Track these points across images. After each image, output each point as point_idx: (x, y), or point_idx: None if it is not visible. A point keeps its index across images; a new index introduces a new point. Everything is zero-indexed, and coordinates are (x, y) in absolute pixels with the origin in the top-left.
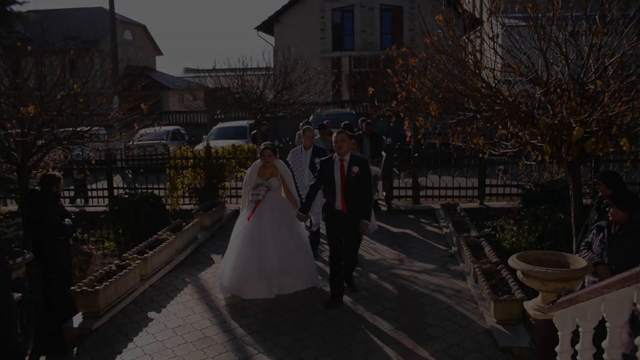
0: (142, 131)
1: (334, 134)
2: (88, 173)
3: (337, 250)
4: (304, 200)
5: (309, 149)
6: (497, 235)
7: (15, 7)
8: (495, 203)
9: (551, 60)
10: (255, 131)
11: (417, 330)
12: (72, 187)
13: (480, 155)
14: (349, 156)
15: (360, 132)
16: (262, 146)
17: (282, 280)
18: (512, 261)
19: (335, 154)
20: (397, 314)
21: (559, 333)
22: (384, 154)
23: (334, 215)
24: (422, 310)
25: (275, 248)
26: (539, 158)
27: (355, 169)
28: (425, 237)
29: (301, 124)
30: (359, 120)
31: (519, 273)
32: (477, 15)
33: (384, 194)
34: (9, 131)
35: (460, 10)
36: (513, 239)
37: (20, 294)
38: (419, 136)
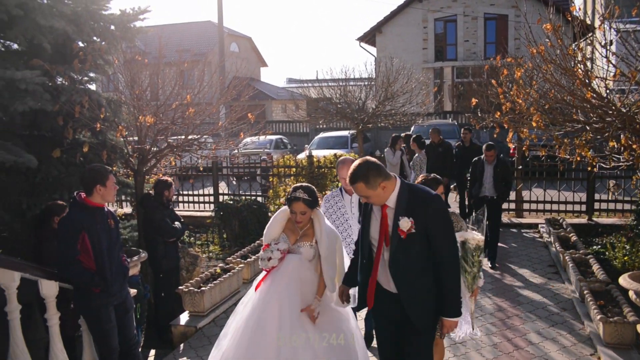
0: (246, 139)
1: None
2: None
3: None
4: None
5: (353, 194)
6: (606, 253)
7: (138, 24)
8: (605, 219)
9: None
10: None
11: (517, 347)
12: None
13: (589, 168)
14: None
15: (459, 141)
16: (291, 191)
17: None
18: (624, 280)
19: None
20: (496, 328)
21: None
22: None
23: (381, 303)
24: (523, 327)
25: (277, 349)
26: None
27: (406, 224)
28: (528, 252)
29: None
30: (461, 131)
31: (631, 293)
32: (588, 22)
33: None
34: (128, 139)
35: (569, 18)
36: (625, 258)
37: (135, 290)
38: (524, 148)
